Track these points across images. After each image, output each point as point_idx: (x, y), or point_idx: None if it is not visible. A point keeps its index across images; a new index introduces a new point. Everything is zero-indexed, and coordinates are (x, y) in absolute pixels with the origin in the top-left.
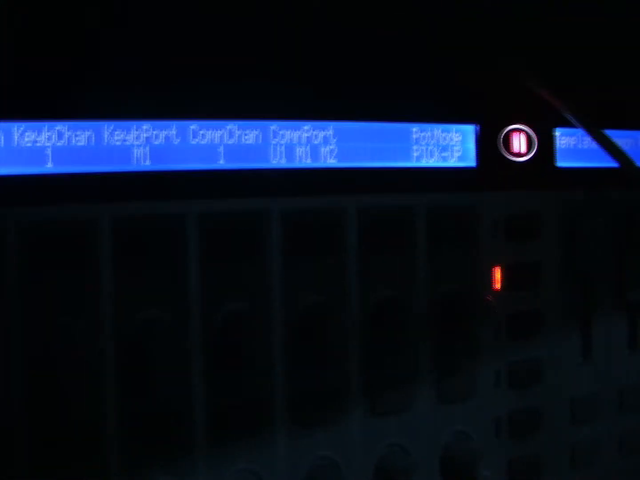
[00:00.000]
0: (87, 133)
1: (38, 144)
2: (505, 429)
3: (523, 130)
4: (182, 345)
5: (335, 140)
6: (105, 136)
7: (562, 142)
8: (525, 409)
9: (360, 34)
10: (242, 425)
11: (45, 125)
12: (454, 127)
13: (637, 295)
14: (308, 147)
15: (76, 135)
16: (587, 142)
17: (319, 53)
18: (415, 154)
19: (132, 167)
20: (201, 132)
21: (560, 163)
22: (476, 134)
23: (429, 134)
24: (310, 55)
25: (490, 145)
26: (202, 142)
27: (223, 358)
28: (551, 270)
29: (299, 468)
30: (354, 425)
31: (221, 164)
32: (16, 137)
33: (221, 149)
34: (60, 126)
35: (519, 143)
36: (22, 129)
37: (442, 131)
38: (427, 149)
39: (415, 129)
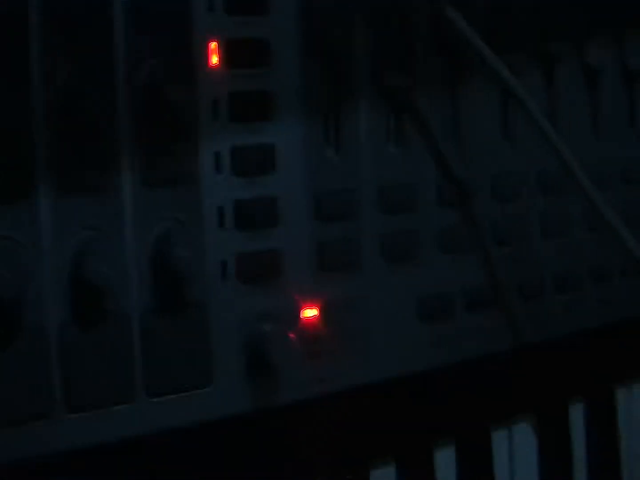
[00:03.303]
0: None
1: None
2: (231, 219)
3: None
4: None
5: None
6: None
7: None
8: (256, 198)
9: None
10: None
11: None
12: None
13: (397, 81)
14: None
15: None
16: None
17: None
18: None
19: None
20: None
21: None
22: None
23: None
24: None
25: None
26: None
27: None
28: (285, 48)
29: None
30: (44, 209)
31: None
32: None
33: None
34: None
35: None
36: None
37: None
38: None
39: None
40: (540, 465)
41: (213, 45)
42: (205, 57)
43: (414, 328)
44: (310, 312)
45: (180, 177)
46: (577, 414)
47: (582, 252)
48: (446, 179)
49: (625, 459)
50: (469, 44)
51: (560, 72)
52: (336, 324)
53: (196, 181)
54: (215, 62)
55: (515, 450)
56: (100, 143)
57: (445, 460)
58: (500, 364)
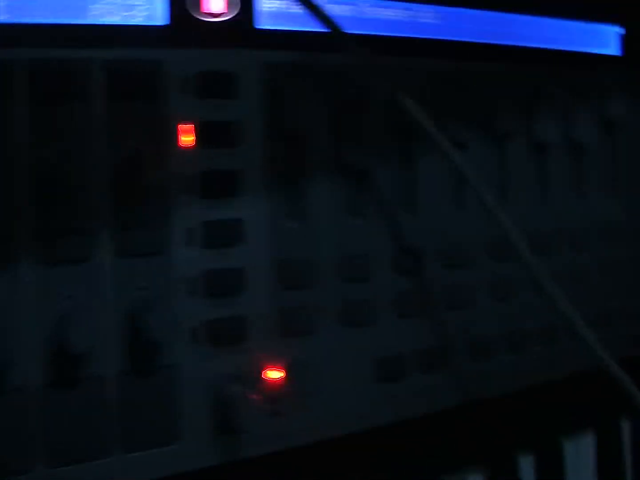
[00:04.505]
0: None
1: None
2: (201, 288)
3: None
4: None
5: None
6: None
7: (265, 4)
8: (224, 268)
9: None
10: None
11: None
12: None
13: (354, 158)
14: None
15: None
16: (293, 6)
17: None
18: (94, 13)
19: None
20: None
21: (262, 25)
22: None
23: None
24: None
25: (182, 4)
26: None
27: None
28: (252, 129)
29: None
30: (27, 276)
31: None
32: None
33: None
34: None
35: (215, 2)
36: None
37: None
38: (107, 8)
39: None
40: None
41: (186, 127)
42: (179, 138)
43: (369, 387)
44: (273, 374)
45: (154, 249)
46: (527, 467)
47: (527, 313)
48: (400, 247)
49: None
50: (419, 125)
51: (510, 146)
52: (297, 384)
53: (169, 253)
54: (188, 142)
55: None
56: (81, 217)
57: None
58: (452, 420)
